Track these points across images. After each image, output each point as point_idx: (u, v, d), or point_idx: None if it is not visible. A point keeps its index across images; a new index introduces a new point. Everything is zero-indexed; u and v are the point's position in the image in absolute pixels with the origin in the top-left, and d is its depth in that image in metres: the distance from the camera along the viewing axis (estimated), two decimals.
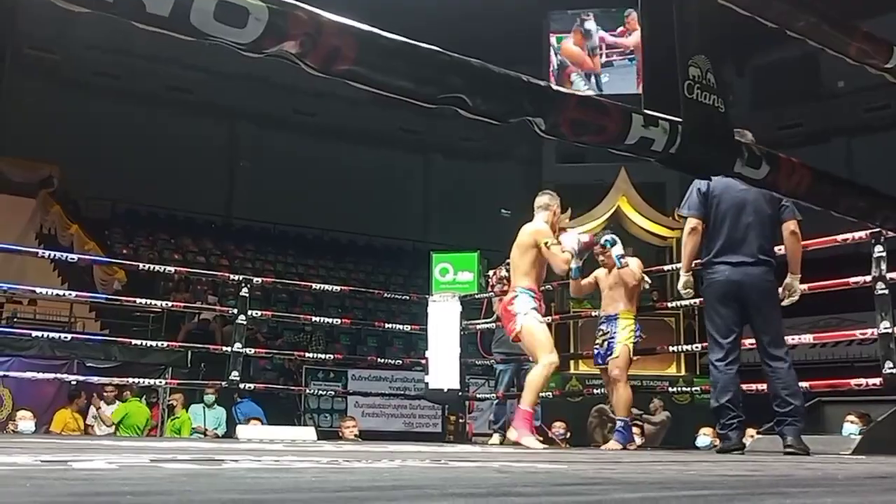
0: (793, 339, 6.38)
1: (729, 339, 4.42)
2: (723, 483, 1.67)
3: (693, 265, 4.79)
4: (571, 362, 13.96)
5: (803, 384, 5.03)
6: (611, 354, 5.60)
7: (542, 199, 5.45)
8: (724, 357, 4.39)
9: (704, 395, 11.92)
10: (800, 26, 2.43)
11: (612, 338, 5.63)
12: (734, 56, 19.86)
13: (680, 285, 4.87)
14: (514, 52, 17.63)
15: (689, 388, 9.62)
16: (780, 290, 4.59)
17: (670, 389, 9.02)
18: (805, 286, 4.84)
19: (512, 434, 5.08)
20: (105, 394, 9.64)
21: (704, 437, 8.79)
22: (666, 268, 8.05)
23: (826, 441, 5.01)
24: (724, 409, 4.36)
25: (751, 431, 7.73)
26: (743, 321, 4.49)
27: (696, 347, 9.22)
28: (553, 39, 19.99)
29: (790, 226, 4.49)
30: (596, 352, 5.78)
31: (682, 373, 13.65)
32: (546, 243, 5.10)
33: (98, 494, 1.15)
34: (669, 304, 10.45)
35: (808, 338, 6.04)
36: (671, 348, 8.16)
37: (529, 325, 5.12)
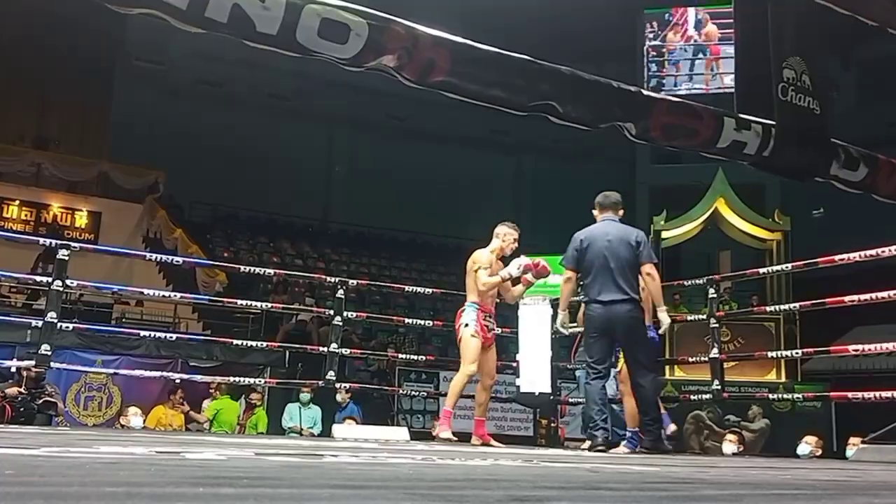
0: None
1: (601, 363, 5.37)
2: (815, 485, 1.66)
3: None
4: (667, 367, 13.70)
5: None
6: None
7: (497, 228, 6.29)
8: (595, 376, 5.35)
9: (806, 403, 11.58)
10: None
11: None
12: (839, 49, 19.11)
13: (558, 322, 5.74)
14: (608, 46, 17.53)
15: (789, 396, 9.28)
16: (651, 322, 5.59)
17: (770, 396, 8.73)
18: None
19: (437, 430, 6.10)
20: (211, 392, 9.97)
21: (806, 445, 8.49)
22: (762, 270, 7.80)
23: None
24: (592, 417, 5.38)
25: (855, 440, 7.47)
26: (613, 348, 5.48)
27: (797, 353, 8.95)
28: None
29: (645, 268, 5.36)
30: None
31: (783, 379, 13.23)
32: (476, 269, 6.04)
33: (216, 478, 1.25)
34: (768, 309, 10.20)
35: None
36: (770, 354, 7.91)
37: (466, 337, 6.01)
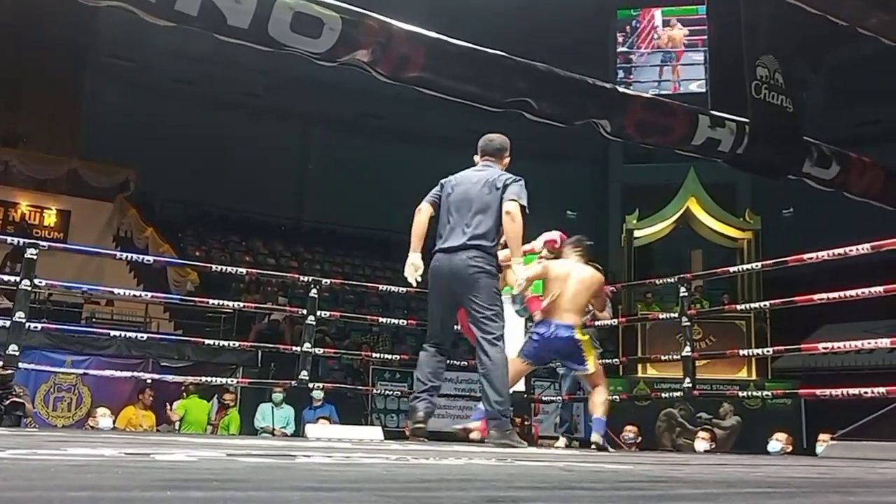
0: (869, 343, 6.23)
1: (435, 321, 4.68)
2: (788, 483, 1.66)
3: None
4: (639, 366, 13.80)
5: (879, 389, 4.94)
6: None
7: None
8: (429, 337, 4.68)
9: (777, 400, 11.69)
10: (872, 24, 2.40)
11: None
12: (808, 53, 19.36)
13: (406, 266, 4.84)
14: (581, 48, 17.57)
15: (760, 393, 9.38)
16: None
17: (741, 394, 8.83)
18: (881, 288, 4.75)
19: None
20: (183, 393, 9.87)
21: (776, 442, 8.58)
22: (733, 269, 7.86)
23: None
24: (417, 382, 4.64)
25: (824, 437, 7.56)
26: (457, 305, 4.66)
27: (768, 351, 9.06)
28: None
29: (505, 206, 4.49)
30: None
31: (753, 377, 13.37)
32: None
33: (185, 481, 1.22)
34: (739, 307, 10.32)
35: (885, 342, 5.88)
36: (742, 352, 7.97)
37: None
